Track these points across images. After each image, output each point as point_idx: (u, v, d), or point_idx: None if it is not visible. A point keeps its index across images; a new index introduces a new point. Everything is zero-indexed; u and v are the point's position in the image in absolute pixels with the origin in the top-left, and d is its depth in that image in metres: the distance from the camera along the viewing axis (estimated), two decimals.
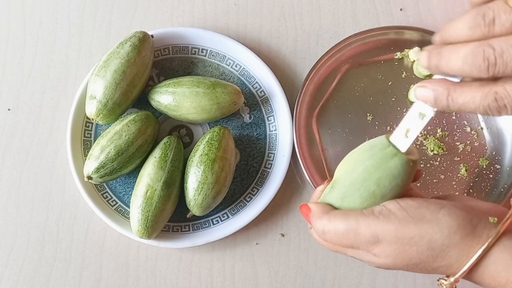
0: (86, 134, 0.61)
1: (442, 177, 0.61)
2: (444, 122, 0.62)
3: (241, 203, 0.61)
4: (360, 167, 0.42)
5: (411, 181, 0.42)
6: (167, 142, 0.58)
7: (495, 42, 0.32)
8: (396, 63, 0.64)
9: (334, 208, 0.43)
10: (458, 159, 0.62)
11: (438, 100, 0.36)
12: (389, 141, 0.41)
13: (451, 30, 0.35)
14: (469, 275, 0.39)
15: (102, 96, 0.56)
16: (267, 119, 0.62)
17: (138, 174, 0.58)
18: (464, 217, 0.39)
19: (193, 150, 0.58)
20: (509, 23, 0.32)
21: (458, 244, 0.38)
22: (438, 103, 0.37)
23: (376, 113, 0.62)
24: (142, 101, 0.62)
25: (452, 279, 0.39)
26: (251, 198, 0.61)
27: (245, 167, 0.62)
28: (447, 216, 0.39)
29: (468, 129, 0.62)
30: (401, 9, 0.66)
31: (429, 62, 0.36)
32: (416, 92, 0.38)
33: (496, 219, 0.39)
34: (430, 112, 0.40)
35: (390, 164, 0.40)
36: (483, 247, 0.37)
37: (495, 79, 0.34)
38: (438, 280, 0.41)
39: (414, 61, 0.63)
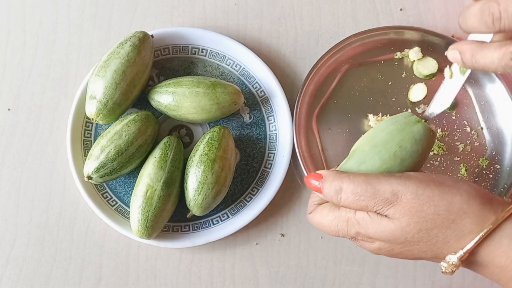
0: (86, 134, 0.61)
1: None
2: (444, 122, 0.62)
3: (241, 203, 0.61)
4: (383, 132, 0.44)
5: (428, 154, 0.44)
6: (167, 142, 0.58)
7: None
8: (396, 63, 0.64)
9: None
10: (458, 159, 0.62)
11: (464, 61, 0.39)
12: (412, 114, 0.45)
13: None
14: (478, 251, 0.39)
15: (102, 96, 0.56)
16: (267, 119, 0.62)
17: (138, 174, 0.58)
18: (481, 189, 0.40)
19: (193, 150, 0.58)
20: None
21: (476, 212, 0.38)
22: (465, 63, 0.39)
23: (376, 113, 0.62)
24: (142, 101, 0.62)
25: (461, 252, 0.39)
26: (251, 198, 0.61)
27: (245, 167, 0.62)
28: (467, 184, 0.40)
29: (468, 129, 0.62)
30: (401, 9, 0.66)
31: (459, 22, 0.39)
32: (448, 54, 0.41)
33: (510, 199, 0.40)
34: (461, 76, 0.45)
35: (413, 128, 0.43)
36: (500, 216, 0.38)
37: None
38: (444, 260, 0.40)
39: (414, 61, 0.63)
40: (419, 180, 0.40)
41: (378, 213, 0.41)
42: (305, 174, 0.60)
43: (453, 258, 0.39)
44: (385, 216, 0.41)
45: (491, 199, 0.39)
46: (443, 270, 0.40)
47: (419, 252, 0.41)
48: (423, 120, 0.44)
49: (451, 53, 0.41)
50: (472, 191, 0.39)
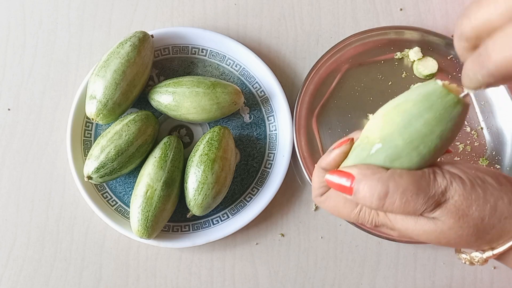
0: (86, 134, 0.61)
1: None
2: None
3: (241, 203, 0.61)
4: (418, 122, 0.37)
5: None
6: (167, 142, 0.58)
7: None
8: (396, 63, 0.64)
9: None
10: (458, 159, 0.62)
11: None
12: (444, 87, 0.37)
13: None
14: (507, 250, 0.38)
15: (102, 96, 0.56)
16: (267, 119, 0.62)
17: (138, 174, 0.58)
18: None
19: (193, 150, 0.58)
20: None
21: None
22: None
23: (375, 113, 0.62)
24: (142, 101, 0.62)
25: (491, 253, 0.37)
26: (251, 198, 0.61)
27: (245, 167, 0.62)
28: (506, 180, 0.38)
29: (468, 129, 0.62)
30: (401, 9, 0.66)
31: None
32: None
33: None
34: None
35: (453, 114, 0.36)
36: None
37: None
38: (465, 253, 0.39)
39: (414, 61, 0.63)
40: (464, 178, 0.37)
41: (426, 214, 0.38)
42: (305, 174, 0.60)
43: (479, 256, 0.38)
44: (425, 216, 0.38)
45: None
46: (463, 261, 0.39)
47: (439, 243, 0.39)
48: (460, 98, 0.36)
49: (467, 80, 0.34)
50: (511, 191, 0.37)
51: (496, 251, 0.37)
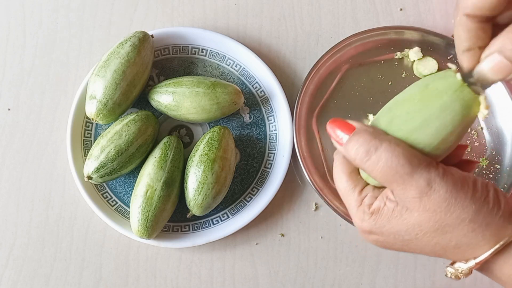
0: (86, 134, 0.61)
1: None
2: None
3: (241, 203, 0.61)
4: (436, 122, 0.36)
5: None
6: (167, 142, 0.58)
7: None
8: (396, 63, 0.64)
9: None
10: None
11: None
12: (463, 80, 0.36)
13: None
14: (489, 260, 0.37)
15: (102, 96, 0.56)
16: (267, 119, 0.62)
17: (138, 174, 0.58)
18: (505, 197, 0.37)
19: (193, 150, 0.58)
20: None
21: (498, 224, 0.36)
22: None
23: (376, 113, 0.62)
24: (142, 101, 0.62)
25: (474, 262, 0.37)
26: (251, 198, 0.61)
27: (245, 167, 0.62)
28: (493, 189, 0.37)
29: (468, 129, 0.62)
30: (401, 9, 0.66)
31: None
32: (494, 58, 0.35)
33: None
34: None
35: (472, 111, 0.36)
36: None
37: None
38: (451, 265, 0.39)
39: (414, 61, 0.63)
40: (457, 177, 0.36)
41: (396, 202, 0.38)
42: (305, 174, 0.60)
43: (463, 267, 0.38)
44: (405, 206, 0.37)
45: (511, 209, 0.37)
46: (449, 276, 0.39)
47: (420, 251, 0.39)
48: (479, 93, 0.35)
49: (498, 57, 0.34)
50: (497, 199, 0.37)
51: (478, 259, 0.37)
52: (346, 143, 0.37)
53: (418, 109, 0.36)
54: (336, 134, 0.38)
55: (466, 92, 0.35)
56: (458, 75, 0.36)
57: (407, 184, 0.36)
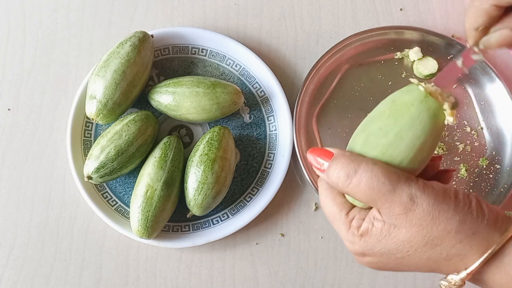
0: (86, 134, 0.61)
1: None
2: None
3: (241, 203, 0.61)
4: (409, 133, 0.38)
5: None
6: (167, 142, 0.58)
7: None
8: (396, 63, 0.64)
9: None
10: (458, 159, 0.62)
11: None
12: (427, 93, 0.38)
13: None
14: (480, 269, 0.37)
15: (102, 96, 0.56)
16: (267, 119, 0.62)
17: (138, 174, 0.58)
18: (489, 206, 0.38)
19: (193, 150, 0.58)
20: None
21: (483, 232, 0.37)
22: None
23: None
24: (142, 101, 0.62)
25: (465, 273, 0.37)
26: (251, 198, 0.61)
27: (245, 167, 0.62)
28: (476, 200, 0.38)
29: (468, 129, 0.62)
30: (401, 9, 0.66)
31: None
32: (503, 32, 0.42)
33: (511, 212, 0.38)
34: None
35: (439, 121, 0.38)
36: (504, 236, 0.37)
37: None
38: (444, 279, 0.39)
39: (414, 61, 0.63)
40: (437, 190, 0.37)
41: (383, 221, 0.38)
42: (305, 174, 0.60)
43: (455, 278, 0.38)
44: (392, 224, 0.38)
45: (496, 217, 0.38)
46: None
47: (415, 267, 0.39)
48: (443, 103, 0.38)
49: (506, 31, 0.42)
50: (480, 208, 0.37)
51: (469, 270, 0.37)
52: (327, 170, 0.39)
53: (390, 124, 0.38)
54: (317, 161, 0.40)
55: (431, 101, 0.37)
56: (421, 87, 0.38)
57: (390, 201, 0.37)
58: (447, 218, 0.37)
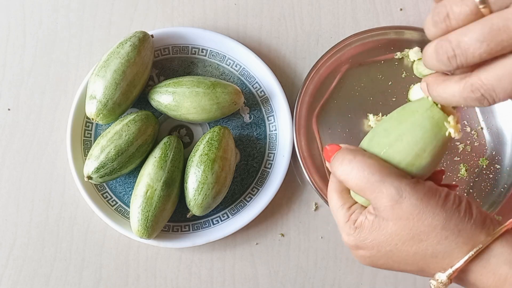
0: (86, 134, 0.61)
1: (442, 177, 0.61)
2: None
3: (241, 203, 0.61)
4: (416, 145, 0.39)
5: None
6: (167, 142, 0.58)
7: (451, 35, 0.33)
8: (396, 63, 0.64)
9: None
10: (458, 159, 0.62)
11: (430, 93, 0.38)
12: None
13: (426, 31, 0.36)
14: (466, 269, 0.38)
15: (102, 96, 0.56)
16: (267, 119, 0.62)
17: (138, 174, 0.58)
18: (478, 207, 0.39)
19: (193, 150, 0.58)
20: (462, 15, 0.32)
21: (469, 231, 0.37)
22: (431, 95, 0.38)
23: (376, 113, 0.62)
24: (142, 101, 0.62)
25: (451, 270, 0.38)
26: (251, 198, 0.61)
27: (245, 167, 0.62)
28: (466, 201, 0.39)
29: (468, 129, 0.62)
30: (401, 9, 0.66)
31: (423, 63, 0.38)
32: (420, 86, 0.40)
33: (500, 217, 0.39)
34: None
35: (442, 132, 0.39)
36: (490, 236, 0.37)
37: (475, 67, 0.34)
38: (432, 278, 0.40)
39: (414, 61, 0.63)
40: (429, 187, 0.39)
41: (374, 214, 0.40)
42: (305, 174, 0.60)
43: (442, 276, 0.39)
44: (380, 216, 0.39)
45: (484, 218, 0.38)
46: None
47: (405, 264, 0.40)
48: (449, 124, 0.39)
49: (422, 84, 0.39)
50: (469, 209, 0.38)
51: (454, 267, 0.38)
52: (331, 160, 0.42)
53: (393, 125, 0.40)
54: (328, 155, 0.43)
55: (436, 111, 0.39)
56: (430, 98, 0.39)
57: (377, 192, 0.39)
58: (434, 214, 0.38)
